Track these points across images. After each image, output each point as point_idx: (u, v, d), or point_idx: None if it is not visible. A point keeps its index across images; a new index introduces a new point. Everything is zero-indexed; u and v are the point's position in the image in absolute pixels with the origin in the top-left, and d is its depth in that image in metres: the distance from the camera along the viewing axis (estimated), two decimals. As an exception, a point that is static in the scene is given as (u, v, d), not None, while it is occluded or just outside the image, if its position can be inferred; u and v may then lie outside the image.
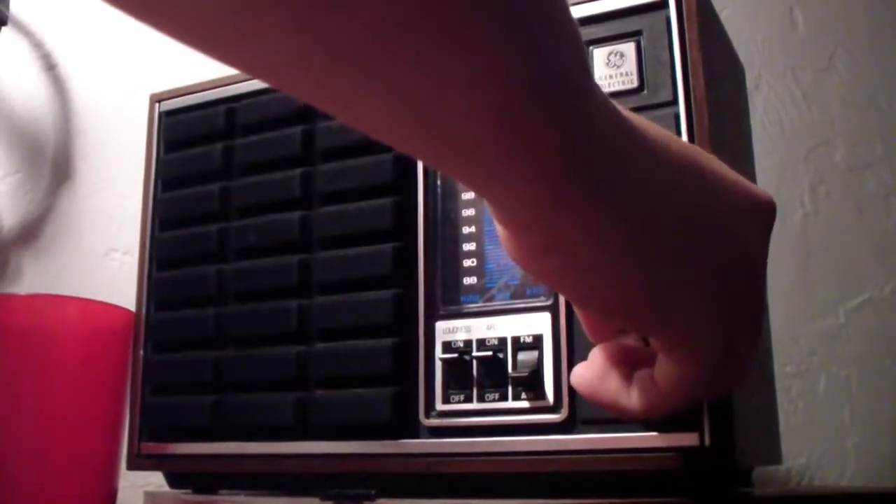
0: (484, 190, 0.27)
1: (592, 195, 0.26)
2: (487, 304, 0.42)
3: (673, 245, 0.28)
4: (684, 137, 0.39)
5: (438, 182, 0.45)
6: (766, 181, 0.65)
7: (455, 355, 0.42)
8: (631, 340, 0.35)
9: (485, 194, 0.28)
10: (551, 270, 0.29)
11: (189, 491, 0.50)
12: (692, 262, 0.29)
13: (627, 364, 0.34)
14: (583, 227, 0.27)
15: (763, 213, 0.31)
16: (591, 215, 0.26)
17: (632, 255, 0.28)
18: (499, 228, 0.29)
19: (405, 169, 0.45)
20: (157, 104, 0.54)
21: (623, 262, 0.28)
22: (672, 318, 0.29)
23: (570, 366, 0.39)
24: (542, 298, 0.41)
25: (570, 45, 0.24)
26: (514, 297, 0.42)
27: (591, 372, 0.35)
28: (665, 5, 0.41)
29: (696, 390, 0.32)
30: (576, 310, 0.37)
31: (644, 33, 0.41)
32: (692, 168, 0.29)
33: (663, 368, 0.31)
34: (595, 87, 0.26)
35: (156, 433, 0.50)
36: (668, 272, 0.28)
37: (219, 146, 0.50)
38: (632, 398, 0.33)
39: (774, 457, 0.49)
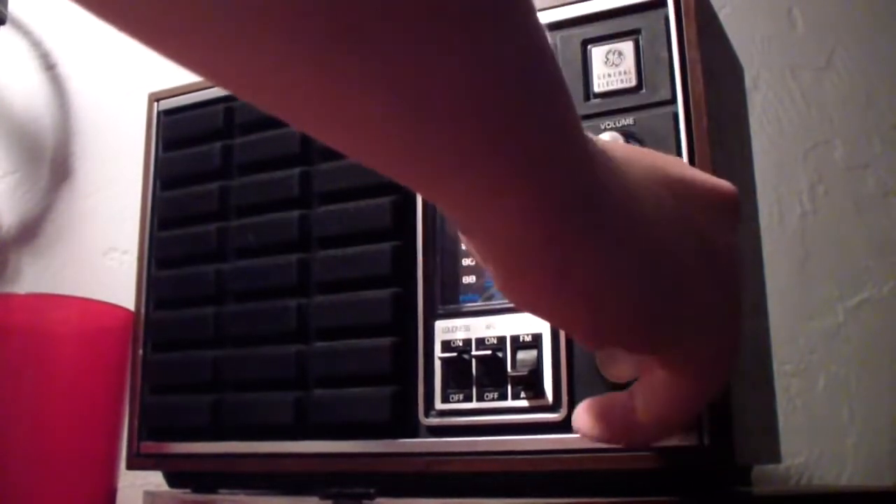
0: (488, 227, 0.27)
1: (594, 221, 0.26)
2: (487, 303, 0.42)
3: (669, 258, 0.29)
4: (683, 137, 0.39)
5: (437, 181, 0.45)
6: (765, 180, 0.65)
7: (454, 354, 0.42)
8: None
9: (489, 234, 0.27)
10: (562, 304, 0.28)
11: (188, 490, 0.50)
12: (688, 271, 0.29)
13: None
14: (593, 253, 0.27)
15: (729, 206, 0.32)
16: (596, 242, 0.27)
17: (638, 275, 0.28)
18: (499, 278, 0.29)
19: (404, 168, 0.45)
20: (155, 103, 0.54)
21: (631, 283, 0.28)
22: (682, 332, 0.30)
23: (570, 365, 0.39)
24: (541, 297, 0.41)
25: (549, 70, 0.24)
26: (513, 296, 0.41)
27: (593, 408, 0.35)
28: (663, 4, 0.41)
29: (705, 398, 0.32)
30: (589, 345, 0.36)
31: (642, 32, 0.41)
32: (661, 177, 0.30)
33: (670, 382, 0.32)
34: (576, 114, 0.26)
35: (155, 433, 0.50)
36: (670, 286, 0.29)
37: (217, 145, 0.50)
38: (640, 415, 0.33)
39: (773, 456, 0.49)
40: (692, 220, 0.30)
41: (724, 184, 0.32)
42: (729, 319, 0.31)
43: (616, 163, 0.28)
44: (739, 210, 0.32)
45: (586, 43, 0.42)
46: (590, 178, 0.26)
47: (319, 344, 0.45)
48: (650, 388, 0.32)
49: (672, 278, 0.29)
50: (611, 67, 0.41)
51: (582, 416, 0.35)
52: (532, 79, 0.24)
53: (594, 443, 0.36)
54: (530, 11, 0.23)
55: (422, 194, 0.28)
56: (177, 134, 0.53)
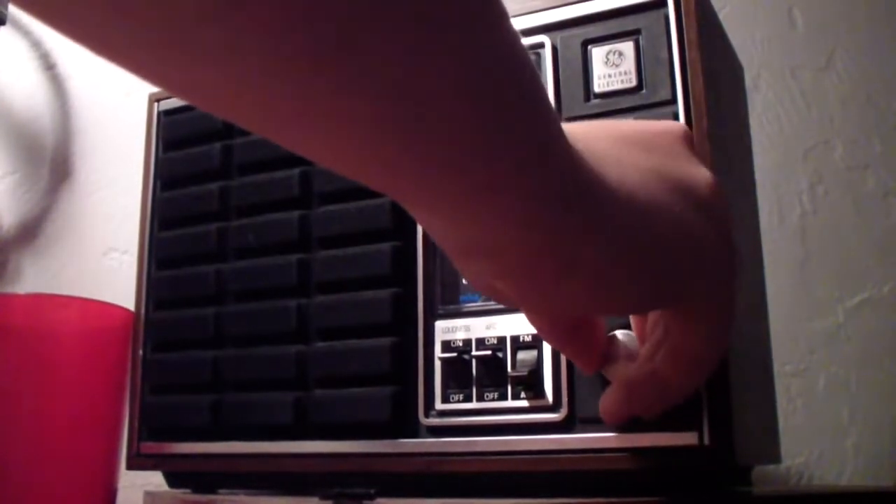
0: (490, 235, 0.27)
1: (590, 213, 0.27)
2: (487, 303, 0.42)
3: (659, 222, 0.29)
4: (683, 136, 0.39)
5: (437, 181, 0.45)
6: (765, 180, 0.65)
7: (454, 354, 0.42)
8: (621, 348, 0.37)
9: (489, 239, 0.27)
10: (569, 294, 0.29)
11: (188, 490, 0.50)
12: (680, 228, 0.30)
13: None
14: (593, 242, 0.27)
15: (681, 141, 0.33)
16: (596, 233, 0.27)
17: (639, 251, 0.29)
18: (511, 287, 0.29)
19: (404, 168, 0.45)
20: (155, 103, 0.54)
21: (633, 260, 0.29)
22: (688, 288, 0.31)
23: (570, 365, 0.39)
24: (542, 298, 0.41)
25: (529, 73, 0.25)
26: (513, 296, 0.41)
27: (616, 389, 0.35)
28: (664, 4, 0.41)
29: (723, 341, 0.33)
30: (566, 350, 0.37)
31: (643, 32, 0.41)
32: (619, 139, 0.31)
33: (688, 332, 0.32)
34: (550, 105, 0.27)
35: (155, 433, 0.50)
36: (670, 248, 0.29)
37: (217, 145, 0.50)
38: (672, 377, 0.33)
39: (774, 456, 0.49)
40: (661, 168, 0.30)
41: (671, 122, 0.34)
42: (727, 256, 0.32)
43: (583, 145, 0.28)
44: (692, 140, 0.33)
45: (586, 43, 0.42)
46: (578, 173, 0.27)
47: (319, 344, 0.45)
48: (676, 343, 0.33)
49: (670, 240, 0.29)
50: (611, 68, 0.41)
51: (612, 408, 0.36)
52: (517, 79, 0.24)
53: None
54: (504, 16, 0.24)
55: (415, 208, 0.28)
56: (177, 134, 0.53)
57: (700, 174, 0.32)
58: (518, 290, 0.29)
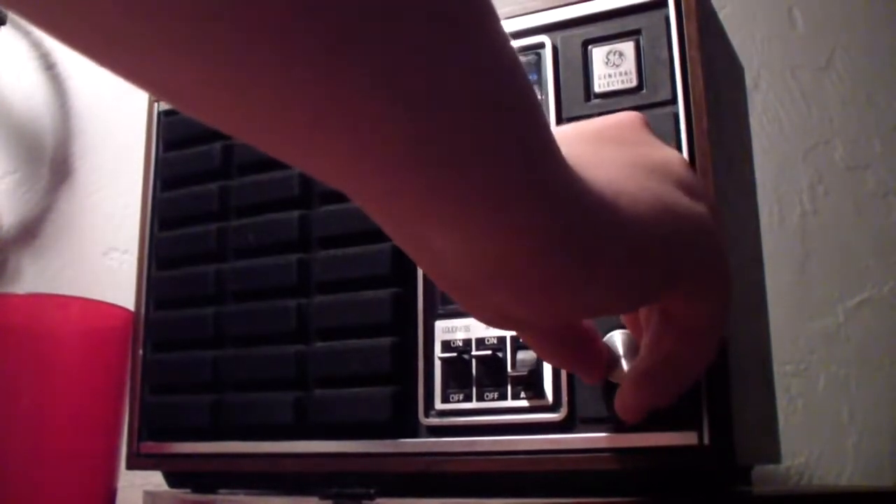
0: (510, 246, 0.27)
1: (593, 211, 0.27)
2: (486, 303, 0.42)
3: (653, 210, 0.29)
4: (683, 136, 0.39)
5: (437, 181, 0.45)
6: (765, 180, 0.65)
7: (454, 354, 0.42)
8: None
9: (510, 252, 0.27)
10: (587, 299, 0.29)
11: (188, 490, 0.50)
12: (672, 209, 0.30)
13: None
14: (604, 245, 0.28)
15: (640, 126, 0.33)
16: (607, 240, 0.28)
17: (645, 240, 0.29)
18: (535, 304, 0.29)
19: (404, 168, 0.45)
20: (155, 103, 0.54)
21: (644, 249, 0.29)
22: (692, 263, 0.31)
23: (570, 365, 0.39)
24: (542, 297, 0.41)
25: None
26: (513, 296, 0.41)
27: (630, 384, 0.35)
28: (664, 4, 0.41)
29: (728, 308, 0.33)
30: (572, 366, 0.37)
31: (643, 32, 0.41)
32: (590, 139, 0.31)
33: (697, 306, 0.32)
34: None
35: (155, 433, 0.50)
36: (670, 231, 0.30)
37: (217, 145, 0.50)
38: (688, 358, 0.34)
39: (773, 456, 0.49)
40: (643, 161, 0.31)
41: (627, 113, 0.34)
42: (716, 224, 0.32)
43: (566, 149, 0.28)
44: (649, 124, 0.34)
45: (587, 43, 0.42)
46: (573, 178, 0.27)
47: (319, 344, 0.45)
48: (685, 321, 0.33)
49: (667, 223, 0.30)
50: (611, 68, 0.41)
51: (630, 403, 0.35)
52: (511, 80, 0.24)
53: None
54: (496, 17, 0.24)
55: (419, 227, 0.28)
56: (177, 134, 0.53)
57: (671, 154, 0.32)
58: (541, 306, 0.29)
